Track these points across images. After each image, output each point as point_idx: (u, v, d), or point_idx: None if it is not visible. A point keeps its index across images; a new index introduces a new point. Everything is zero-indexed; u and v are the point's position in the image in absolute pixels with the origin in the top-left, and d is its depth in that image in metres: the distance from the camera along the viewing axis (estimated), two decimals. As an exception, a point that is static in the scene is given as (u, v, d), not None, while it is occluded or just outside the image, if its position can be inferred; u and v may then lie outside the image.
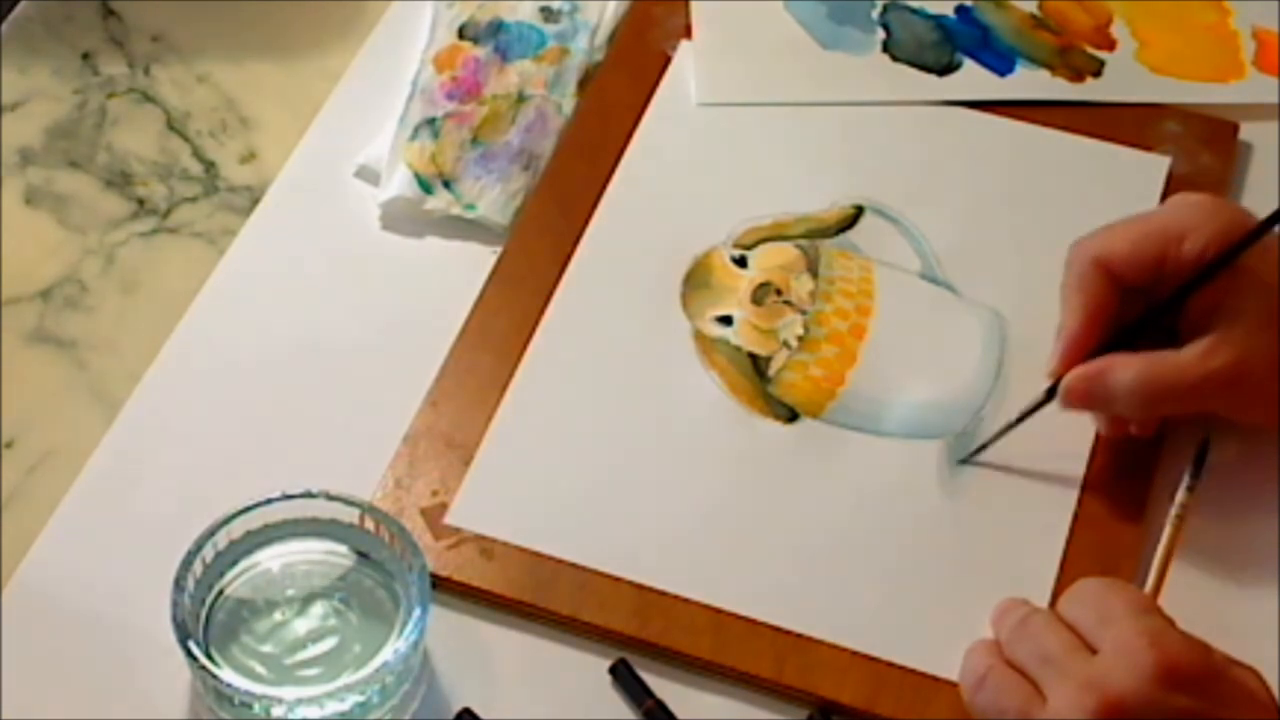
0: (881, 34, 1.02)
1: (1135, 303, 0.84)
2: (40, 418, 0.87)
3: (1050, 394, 0.84)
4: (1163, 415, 0.85)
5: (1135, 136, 0.97)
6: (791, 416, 0.87)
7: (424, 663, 0.79)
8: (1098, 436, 0.86)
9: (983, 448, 0.85)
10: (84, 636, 0.80)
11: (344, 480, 0.80)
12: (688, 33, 1.02)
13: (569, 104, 0.99)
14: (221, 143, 0.98)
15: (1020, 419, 0.85)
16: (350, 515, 0.78)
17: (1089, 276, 0.84)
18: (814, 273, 0.92)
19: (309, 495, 0.78)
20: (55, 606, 0.81)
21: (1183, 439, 0.86)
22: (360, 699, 0.75)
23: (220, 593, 0.78)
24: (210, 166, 0.97)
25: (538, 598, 0.81)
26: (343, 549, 0.79)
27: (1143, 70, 1.01)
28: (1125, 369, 0.82)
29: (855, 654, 0.79)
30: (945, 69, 1.01)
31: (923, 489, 0.85)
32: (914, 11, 1.03)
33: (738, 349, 0.89)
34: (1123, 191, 0.95)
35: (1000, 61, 1.01)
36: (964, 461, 0.85)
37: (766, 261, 0.93)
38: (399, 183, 0.94)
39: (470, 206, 0.94)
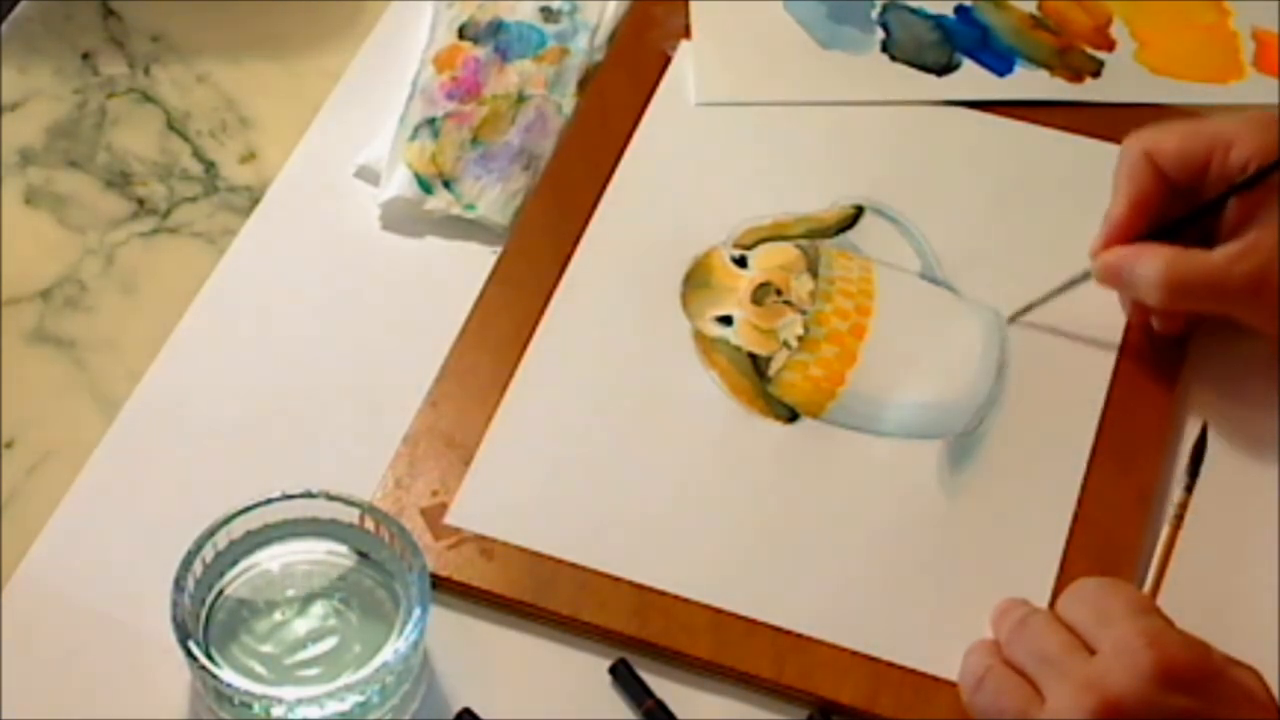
0: (880, 34, 1.02)
1: (1180, 205, 0.87)
2: (40, 418, 0.87)
3: (1089, 272, 0.88)
4: (1184, 310, 0.87)
5: (1135, 137, 0.98)
6: (791, 416, 0.87)
7: (424, 663, 0.79)
8: (1097, 436, 0.86)
9: (1029, 308, 0.89)
10: (84, 636, 0.80)
11: (344, 480, 0.80)
12: (688, 33, 1.02)
13: (569, 104, 0.99)
14: (221, 143, 0.98)
15: (1064, 287, 0.88)
16: (350, 515, 0.78)
17: (1137, 166, 0.87)
18: (814, 273, 0.92)
19: (309, 495, 0.78)
20: (55, 606, 0.81)
21: (1181, 438, 0.86)
22: (360, 699, 0.75)
23: (220, 593, 0.78)
24: (210, 166, 0.97)
25: (538, 598, 0.81)
26: (343, 549, 0.79)
27: (1142, 70, 1.01)
28: (1155, 256, 0.85)
29: (855, 654, 0.79)
30: (944, 69, 1.01)
31: (923, 489, 0.85)
32: (913, 11, 1.03)
33: (738, 349, 0.89)
34: (1122, 191, 0.95)
35: (999, 61, 1.01)
36: (1012, 320, 0.89)
37: (766, 261, 0.93)
38: (399, 183, 0.94)
39: (470, 206, 0.94)
